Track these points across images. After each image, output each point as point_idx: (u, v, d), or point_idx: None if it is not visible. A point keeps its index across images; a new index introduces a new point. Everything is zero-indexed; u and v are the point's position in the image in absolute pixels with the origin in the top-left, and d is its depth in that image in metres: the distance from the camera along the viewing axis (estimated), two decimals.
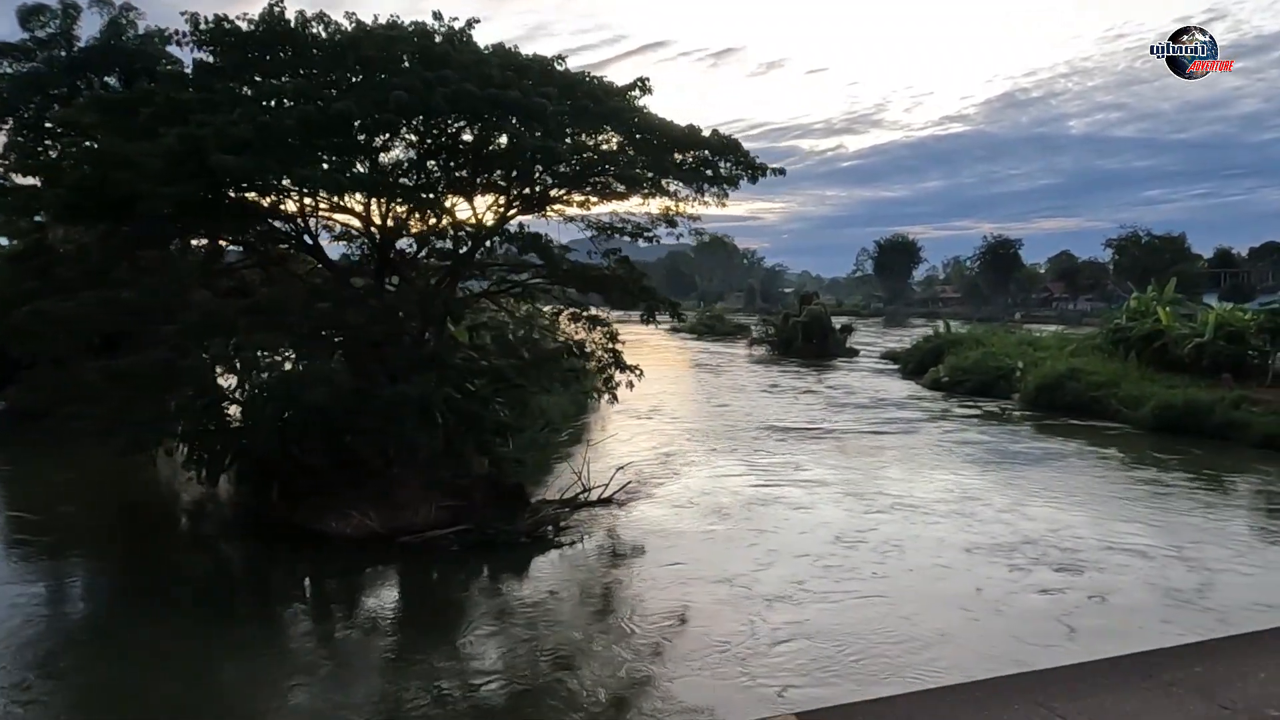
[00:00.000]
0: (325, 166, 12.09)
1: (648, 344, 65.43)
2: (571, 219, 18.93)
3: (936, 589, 12.10)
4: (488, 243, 18.16)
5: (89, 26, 29.67)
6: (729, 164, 16.98)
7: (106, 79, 29.49)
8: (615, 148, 14.80)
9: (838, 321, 62.79)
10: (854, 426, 26.06)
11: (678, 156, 16.74)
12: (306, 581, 13.40)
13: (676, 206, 18.25)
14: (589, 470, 17.01)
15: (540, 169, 14.07)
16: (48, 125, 26.33)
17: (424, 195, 12.94)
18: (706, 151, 16.61)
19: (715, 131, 16.26)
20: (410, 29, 12.74)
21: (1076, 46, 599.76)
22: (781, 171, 16.91)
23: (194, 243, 16.83)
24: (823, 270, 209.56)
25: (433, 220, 13.79)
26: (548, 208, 18.10)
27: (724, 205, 17.53)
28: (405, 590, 12.82)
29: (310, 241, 16.15)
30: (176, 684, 9.41)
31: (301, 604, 12.50)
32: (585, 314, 19.40)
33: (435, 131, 12.95)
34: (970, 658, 9.81)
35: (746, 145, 16.56)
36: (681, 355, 54.84)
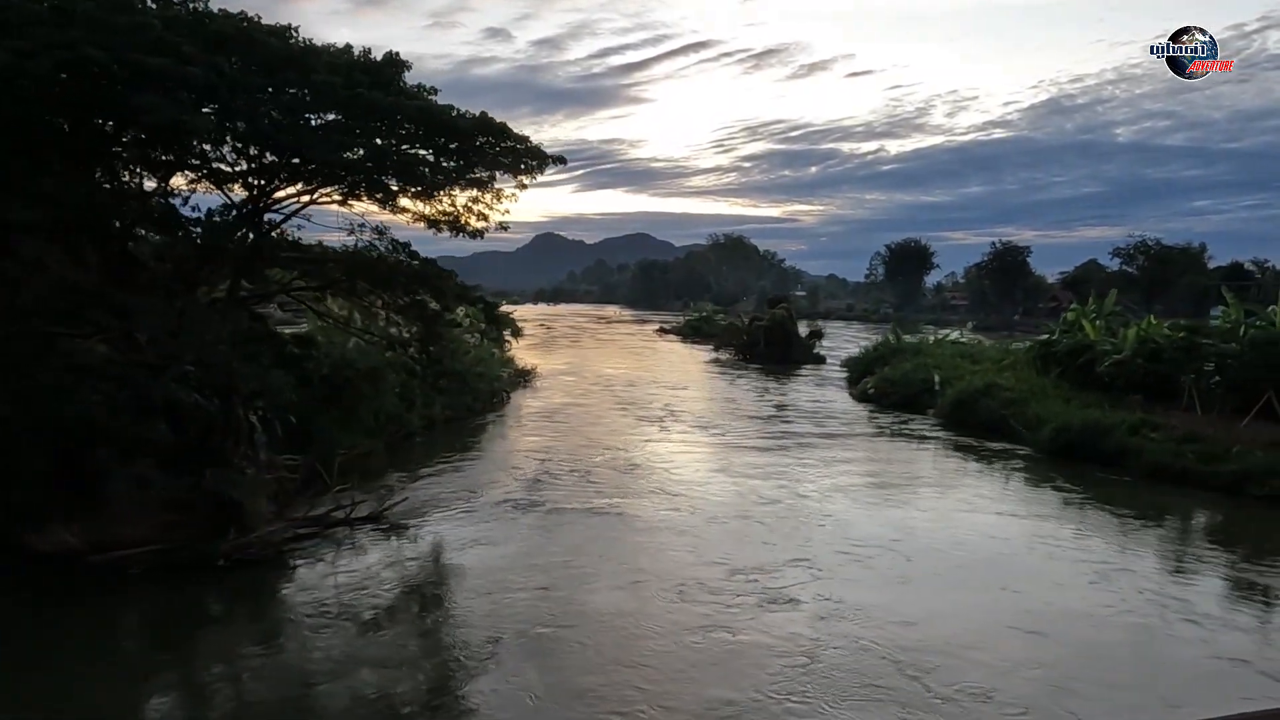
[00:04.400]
0: None
1: (617, 343, 64.11)
2: (402, 212, 17.87)
3: (622, 599, 11.83)
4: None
5: None
6: (514, 150, 15.59)
7: None
8: (329, 128, 13.37)
9: (830, 326, 61.36)
10: (728, 439, 24.40)
11: (464, 144, 15.42)
12: None
13: (482, 196, 17.05)
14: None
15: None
16: None
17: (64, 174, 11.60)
18: (482, 137, 15.22)
19: (484, 114, 14.83)
20: None
21: (1125, 53, 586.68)
22: (563, 160, 15.41)
23: None
24: (854, 274, 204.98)
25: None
26: (353, 200, 16.93)
27: (514, 199, 16.29)
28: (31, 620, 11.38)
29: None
30: None
31: None
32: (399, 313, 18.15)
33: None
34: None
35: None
36: (640, 358, 53.15)
